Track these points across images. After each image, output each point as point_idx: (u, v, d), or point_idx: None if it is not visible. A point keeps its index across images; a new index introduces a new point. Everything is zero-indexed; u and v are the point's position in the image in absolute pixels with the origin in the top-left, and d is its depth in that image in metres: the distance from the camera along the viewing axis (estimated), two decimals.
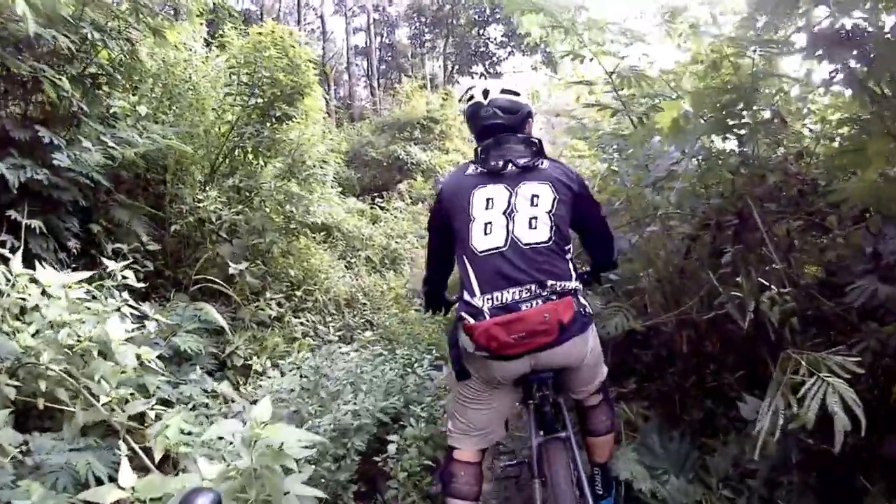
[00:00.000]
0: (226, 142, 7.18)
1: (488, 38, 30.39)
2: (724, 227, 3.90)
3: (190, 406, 4.02)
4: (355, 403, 3.89)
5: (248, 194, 6.72)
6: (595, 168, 5.96)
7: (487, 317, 2.61)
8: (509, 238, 2.70)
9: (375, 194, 14.58)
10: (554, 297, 2.66)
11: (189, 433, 3.18)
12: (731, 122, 3.57)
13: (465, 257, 2.78)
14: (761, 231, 3.47)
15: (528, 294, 2.65)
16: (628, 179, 4.50)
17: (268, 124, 7.21)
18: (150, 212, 6.09)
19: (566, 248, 2.81)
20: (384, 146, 17.49)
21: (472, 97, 3.03)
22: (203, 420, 3.78)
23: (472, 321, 2.63)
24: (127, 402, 3.45)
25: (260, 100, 7.24)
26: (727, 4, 4.79)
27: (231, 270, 5.63)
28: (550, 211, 2.75)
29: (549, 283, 2.67)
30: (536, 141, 2.93)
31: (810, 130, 4.21)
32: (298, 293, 6.82)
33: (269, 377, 4.66)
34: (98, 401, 3.29)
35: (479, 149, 2.93)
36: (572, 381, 3.06)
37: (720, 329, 4.06)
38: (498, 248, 2.70)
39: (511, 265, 2.67)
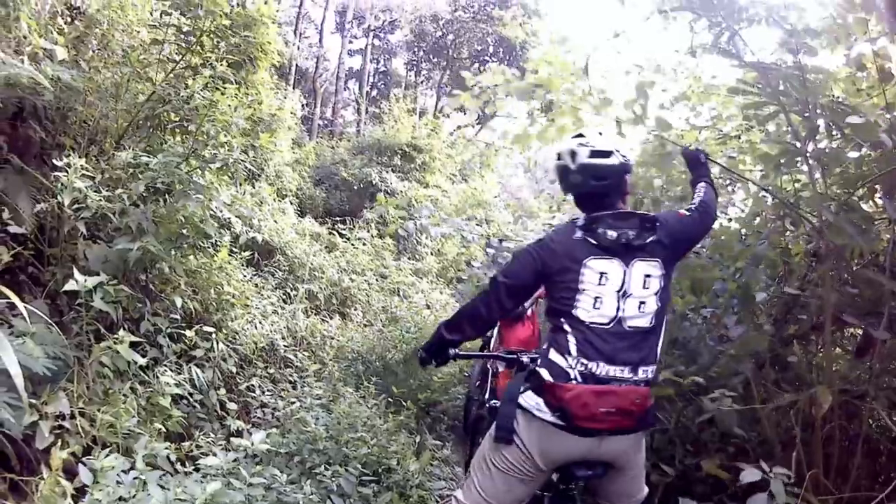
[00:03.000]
0: (143, 106, 5.10)
1: None
2: None
3: None
4: None
5: (139, 177, 4.52)
6: None
7: (577, 381, 2.55)
8: (616, 317, 2.62)
9: (338, 219, 12.57)
10: (642, 385, 2.61)
11: None
12: None
13: (563, 319, 2.68)
14: None
15: (621, 374, 2.57)
16: None
17: (195, 87, 5.10)
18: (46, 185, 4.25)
19: (661, 329, 2.74)
20: (358, 168, 15.52)
21: (559, 156, 2.93)
22: None
23: (555, 381, 2.57)
24: None
25: (196, 58, 5.26)
26: None
27: (70, 285, 3.49)
28: (658, 293, 2.68)
29: (641, 369, 2.61)
30: (650, 219, 2.75)
31: None
32: (188, 334, 4.64)
33: None
34: None
35: (589, 218, 2.76)
36: (613, 487, 2.81)
37: None
38: (602, 324, 2.62)
39: (611, 345, 2.59)
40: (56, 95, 4.37)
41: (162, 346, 4.43)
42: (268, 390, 5.15)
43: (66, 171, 4.02)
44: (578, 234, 2.73)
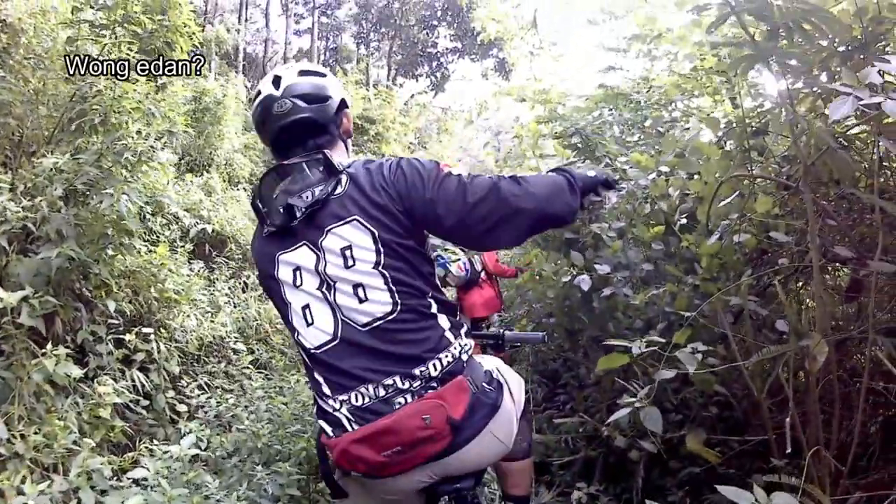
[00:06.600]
0: (67, 108, 4.97)
1: (436, 41, 29.14)
2: None
3: None
4: None
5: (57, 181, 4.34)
6: None
7: (348, 426, 1.78)
8: (339, 324, 1.81)
9: None
10: (434, 385, 1.76)
11: None
12: None
13: (302, 353, 1.93)
14: None
15: (392, 390, 1.75)
16: None
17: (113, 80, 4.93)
18: None
19: (428, 301, 1.85)
20: None
21: (259, 93, 2.01)
22: None
23: (330, 433, 1.83)
24: None
25: (112, 50, 5.09)
26: None
27: None
28: (379, 263, 1.79)
29: (418, 369, 1.77)
30: (321, 156, 1.88)
31: None
32: (128, 338, 4.50)
33: None
34: None
35: (255, 190, 1.95)
36: None
37: None
38: (328, 341, 1.83)
39: (353, 358, 1.79)
40: None
41: (102, 353, 4.30)
42: (215, 387, 5.03)
43: None
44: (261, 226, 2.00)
